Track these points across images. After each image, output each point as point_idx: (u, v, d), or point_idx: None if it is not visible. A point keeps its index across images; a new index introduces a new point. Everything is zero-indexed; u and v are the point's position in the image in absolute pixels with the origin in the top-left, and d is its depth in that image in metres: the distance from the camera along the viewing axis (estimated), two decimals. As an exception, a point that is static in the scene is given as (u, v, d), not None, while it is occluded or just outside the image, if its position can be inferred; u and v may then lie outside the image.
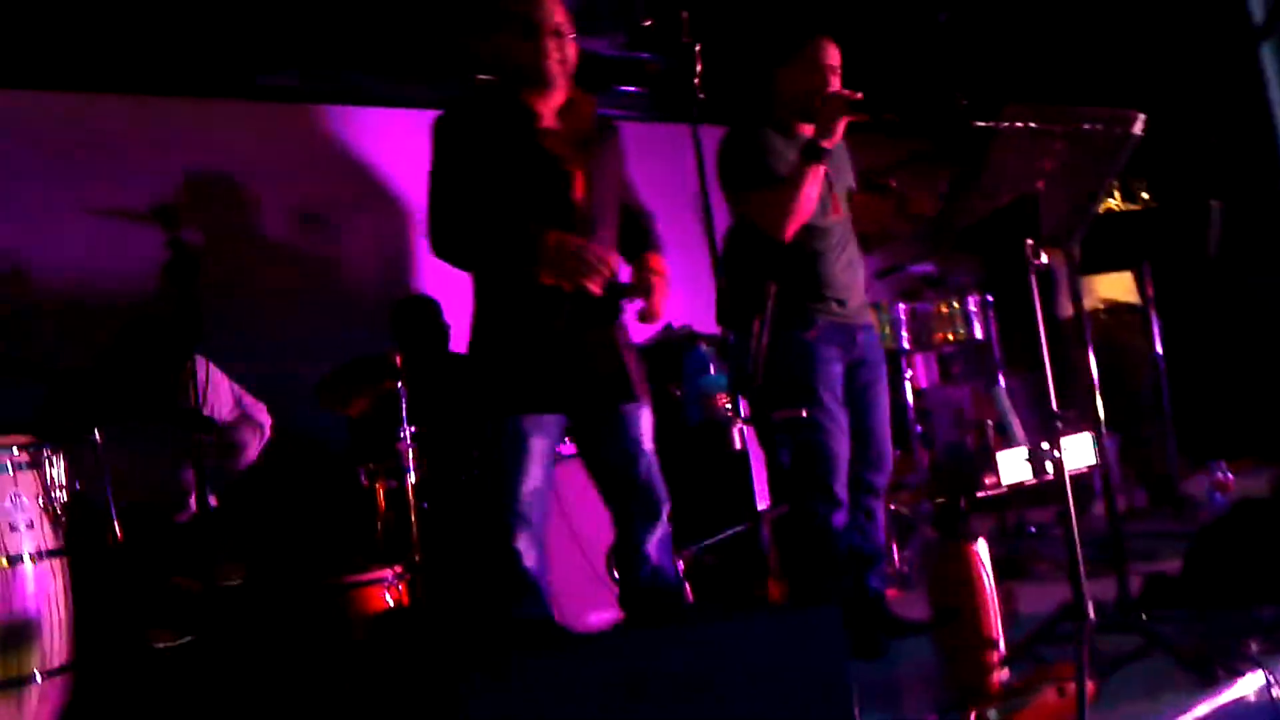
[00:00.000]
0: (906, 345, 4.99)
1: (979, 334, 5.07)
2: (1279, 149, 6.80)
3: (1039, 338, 2.93)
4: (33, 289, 4.72)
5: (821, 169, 3.57)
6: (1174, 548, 4.31)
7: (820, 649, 2.15)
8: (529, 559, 3.15)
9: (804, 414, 2.93)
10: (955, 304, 5.04)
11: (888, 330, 4.93)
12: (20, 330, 4.51)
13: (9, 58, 4.62)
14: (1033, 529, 5.25)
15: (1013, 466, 2.87)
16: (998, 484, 2.87)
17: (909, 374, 5.31)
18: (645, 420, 3.30)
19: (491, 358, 3.21)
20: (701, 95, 2.96)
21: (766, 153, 3.72)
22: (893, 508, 4.80)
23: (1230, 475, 5.32)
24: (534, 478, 3.16)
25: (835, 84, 3.74)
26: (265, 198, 5.45)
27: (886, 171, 4.79)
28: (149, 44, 4.92)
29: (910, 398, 5.30)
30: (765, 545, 4.75)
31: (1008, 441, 2.93)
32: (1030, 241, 2.93)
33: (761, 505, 5.06)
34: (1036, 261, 2.93)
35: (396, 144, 5.66)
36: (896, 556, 4.76)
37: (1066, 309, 5.94)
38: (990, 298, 5.28)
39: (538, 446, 3.17)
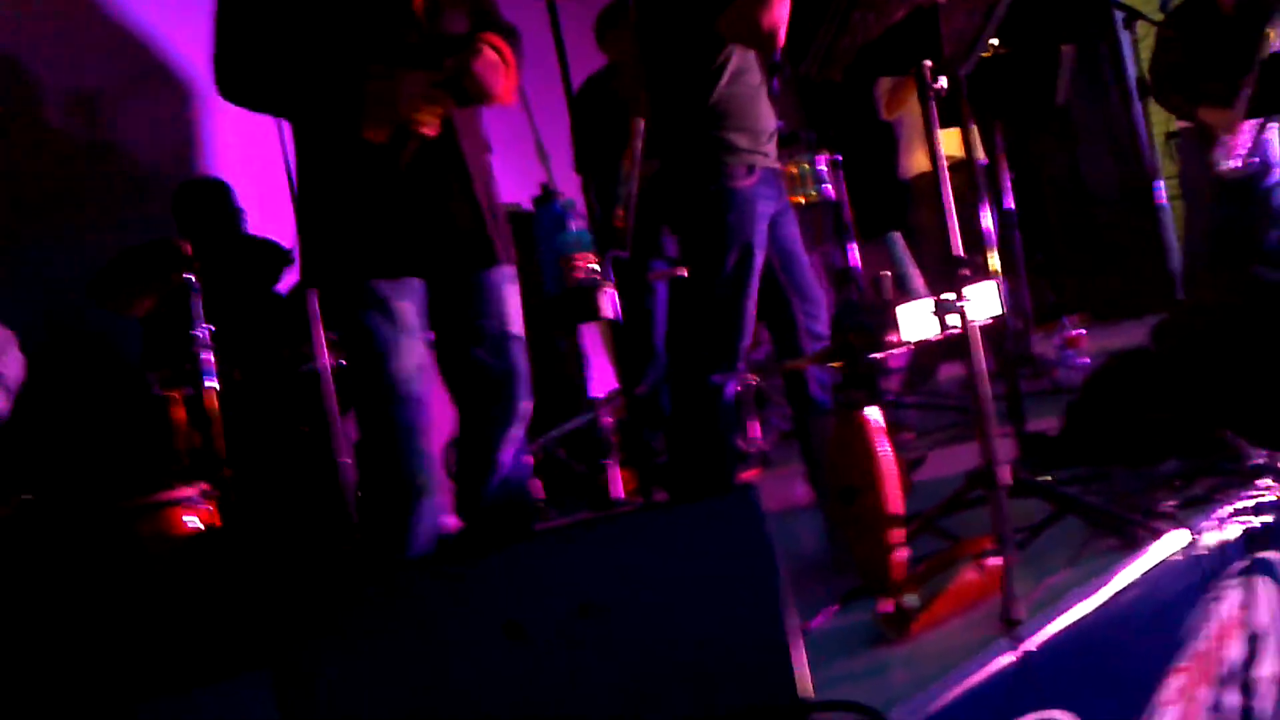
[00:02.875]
0: (756, 209, 4.62)
1: (831, 194, 4.74)
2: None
3: (941, 179, 2.56)
4: None
5: None
6: (1039, 408, 4.13)
7: (743, 540, 1.78)
8: (424, 447, 2.63)
9: (684, 273, 2.52)
10: (805, 164, 4.68)
11: (736, 193, 4.54)
12: None
13: None
14: (890, 396, 5.03)
15: (916, 321, 2.53)
16: (901, 341, 2.52)
17: (758, 241, 4.96)
18: (511, 297, 2.78)
19: (328, 217, 2.64)
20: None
21: None
22: (751, 382, 4.50)
23: (1082, 331, 5.19)
24: (413, 352, 2.63)
25: None
26: (34, 80, 4.73)
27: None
28: None
29: (760, 266, 4.97)
30: (607, 431, 4.42)
31: (907, 295, 2.60)
32: (929, 64, 2.55)
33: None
34: (936, 86, 2.56)
35: (177, 15, 5.02)
36: (757, 433, 4.47)
37: (910, 169, 5.69)
38: (839, 155, 4.93)
39: (408, 314, 2.62)
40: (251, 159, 5.04)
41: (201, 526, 3.32)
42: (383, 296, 2.59)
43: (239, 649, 3.11)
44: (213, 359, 3.62)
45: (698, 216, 3.10)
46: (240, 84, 2.59)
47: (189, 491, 3.36)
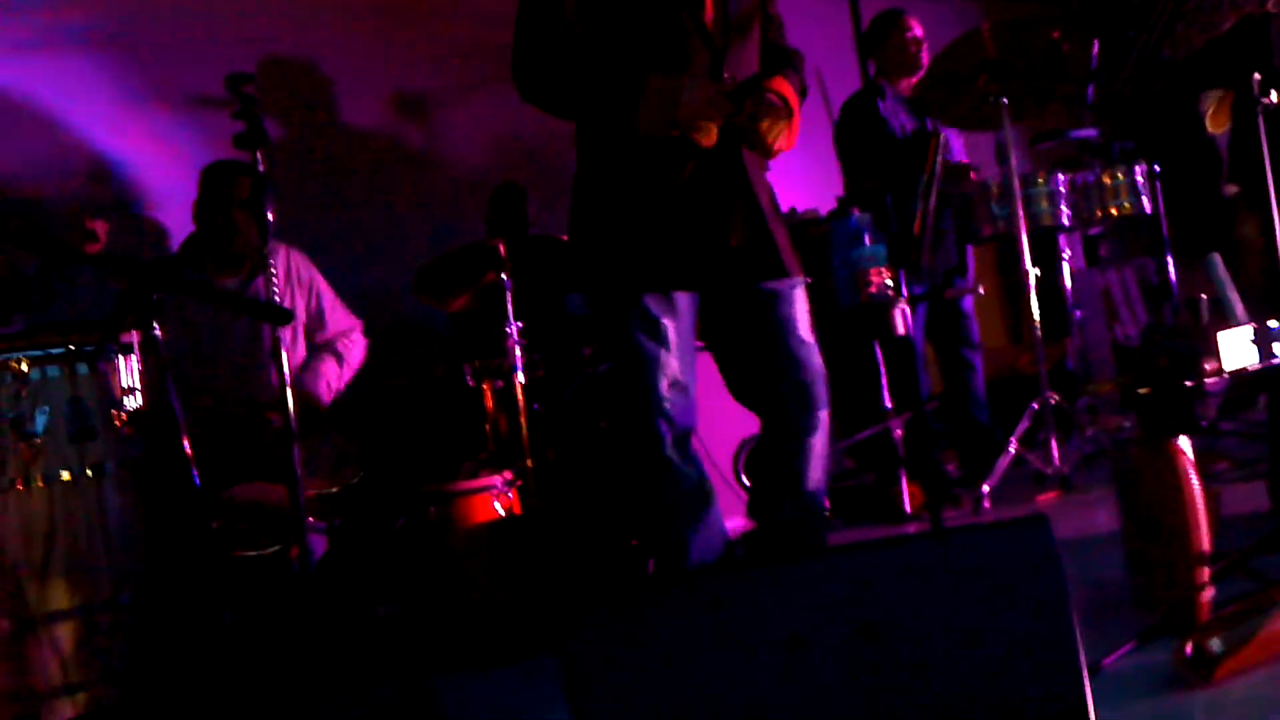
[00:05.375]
0: (1066, 221, 4.45)
1: (1148, 207, 4.51)
2: None
3: (1268, 195, 2.41)
4: (114, 185, 4.47)
5: None
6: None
7: (1034, 571, 1.74)
8: (686, 466, 2.71)
9: (982, 290, 2.47)
10: (1121, 174, 4.48)
11: (1045, 205, 4.40)
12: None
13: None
14: (1204, 423, 4.74)
15: (1236, 349, 2.39)
16: (1219, 369, 2.38)
17: (1067, 254, 4.79)
18: (799, 303, 2.76)
19: (603, 227, 2.69)
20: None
21: None
22: (1053, 401, 4.34)
23: None
24: (674, 369, 2.67)
25: None
26: (352, 83, 5.10)
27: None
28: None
29: (1068, 280, 4.80)
30: (897, 443, 4.36)
31: (1227, 320, 2.45)
32: (1258, 77, 2.40)
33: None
34: (1266, 100, 2.40)
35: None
36: (1056, 455, 4.30)
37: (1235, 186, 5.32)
38: (1158, 167, 4.68)
39: (673, 332, 2.66)
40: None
41: (504, 513, 3.49)
42: (652, 313, 2.64)
43: (534, 633, 3.27)
44: (521, 354, 3.80)
45: None
46: (536, 85, 2.68)
47: (495, 479, 3.55)
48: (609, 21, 2.64)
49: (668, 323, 2.67)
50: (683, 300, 2.71)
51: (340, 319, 3.96)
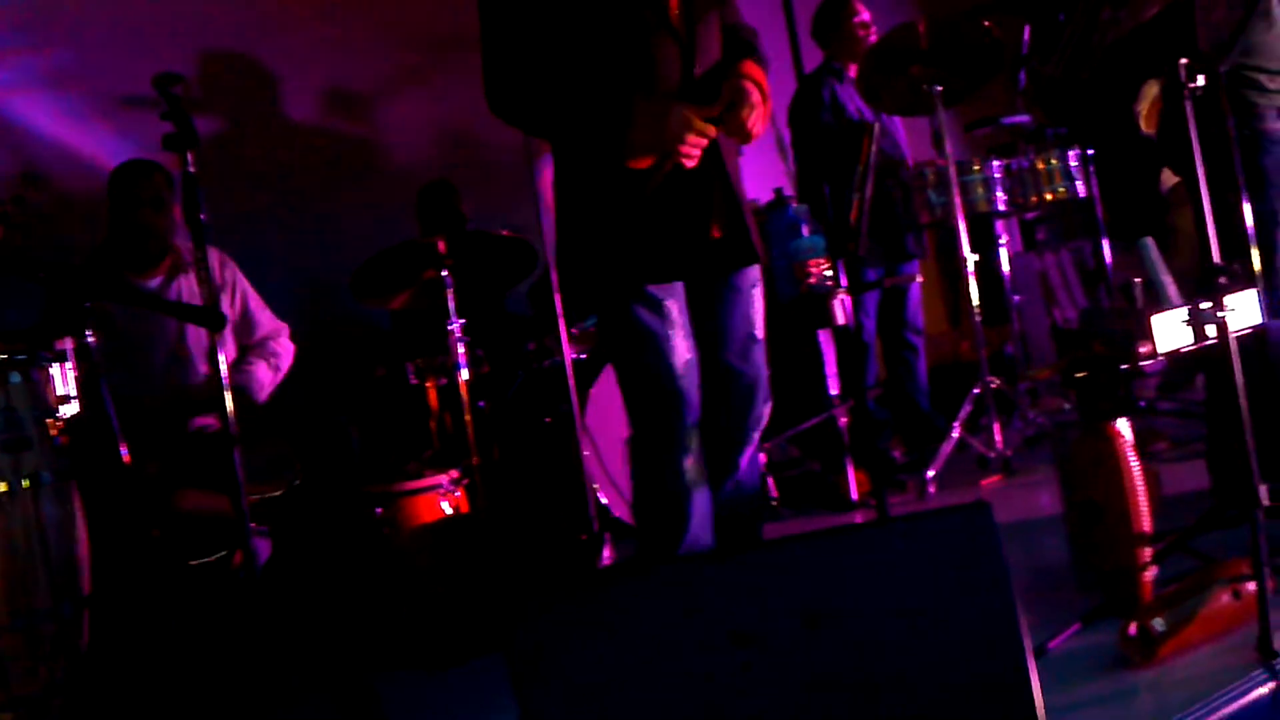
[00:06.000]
0: (1002, 207, 4.50)
1: (1081, 192, 4.57)
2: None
3: (1196, 177, 2.45)
4: (51, 188, 4.38)
5: None
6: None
7: (976, 558, 1.75)
8: (694, 457, 2.65)
9: (920, 278, 2.49)
10: (1054, 159, 4.53)
11: (980, 190, 4.44)
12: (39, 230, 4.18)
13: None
14: (1142, 403, 4.81)
15: (1170, 331, 2.43)
16: (1153, 351, 2.42)
17: (1004, 239, 4.84)
18: (759, 299, 2.77)
19: (597, 226, 2.66)
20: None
21: None
22: (994, 385, 4.38)
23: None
24: (682, 347, 2.63)
25: None
26: (290, 78, 5.04)
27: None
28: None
29: (1006, 266, 4.84)
30: (842, 431, 4.39)
31: (1160, 303, 2.49)
32: (1184, 61, 2.43)
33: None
34: (1191, 85, 2.44)
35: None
36: (999, 439, 4.35)
37: (1171, 178, 5.40)
38: (1091, 152, 4.74)
39: (675, 311, 2.64)
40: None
41: (451, 512, 3.47)
42: (655, 295, 2.62)
43: (484, 631, 3.26)
44: (464, 351, 3.77)
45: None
46: (511, 107, 2.65)
47: (441, 478, 3.52)
48: (575, 27, 2.61)
49: (670, 303, 2.64)
50: (678, 288, 2.69)
51: (267, 320, 3.90)
